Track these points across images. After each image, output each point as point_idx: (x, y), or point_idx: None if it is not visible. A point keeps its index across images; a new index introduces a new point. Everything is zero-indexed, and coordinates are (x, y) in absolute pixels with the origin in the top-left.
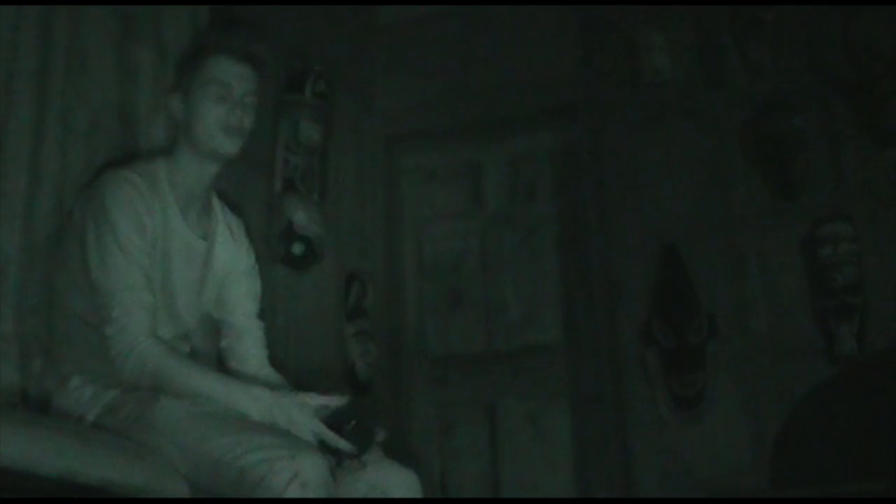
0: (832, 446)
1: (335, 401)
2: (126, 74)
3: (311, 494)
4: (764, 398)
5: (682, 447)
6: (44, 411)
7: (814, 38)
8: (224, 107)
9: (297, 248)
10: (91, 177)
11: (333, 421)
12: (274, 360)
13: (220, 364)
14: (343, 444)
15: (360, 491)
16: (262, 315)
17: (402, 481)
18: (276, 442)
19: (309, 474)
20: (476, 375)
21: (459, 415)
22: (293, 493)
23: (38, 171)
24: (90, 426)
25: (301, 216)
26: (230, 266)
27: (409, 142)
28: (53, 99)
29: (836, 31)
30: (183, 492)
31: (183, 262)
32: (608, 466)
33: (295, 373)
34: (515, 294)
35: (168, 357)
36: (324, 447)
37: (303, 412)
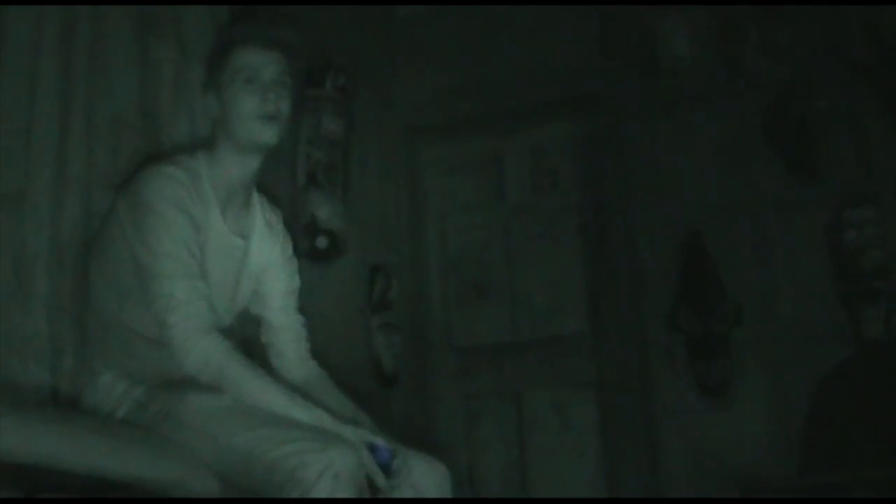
0: (860, 431)
1: (382, 444)
2: (148, 72)
3: (342, 486)
4: (790, 384)
5: (709, 434)
6: (74, 409)
7: (834, 20)
8: (257, 95)
9: (321, 242)
10: (130, 173)
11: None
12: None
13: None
14: (383, 481)
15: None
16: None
17: (431, 473)
18: (306, 435)
19: (340, 466)
20: (502, 366)
21: (486, 405)
22: (324, 485)
23: (64, 170)
24: (120, 422)
25: (324, 210)
26: (267, 262)
27: (431, 134)
28: (77, 98)
29: (857, 13)
30: (213, 487)
31: (219, 260)
32: (635, 454)
33: (321, 367)
34: (540, 284)
35: (234, 359)
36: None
37: (360, 448)
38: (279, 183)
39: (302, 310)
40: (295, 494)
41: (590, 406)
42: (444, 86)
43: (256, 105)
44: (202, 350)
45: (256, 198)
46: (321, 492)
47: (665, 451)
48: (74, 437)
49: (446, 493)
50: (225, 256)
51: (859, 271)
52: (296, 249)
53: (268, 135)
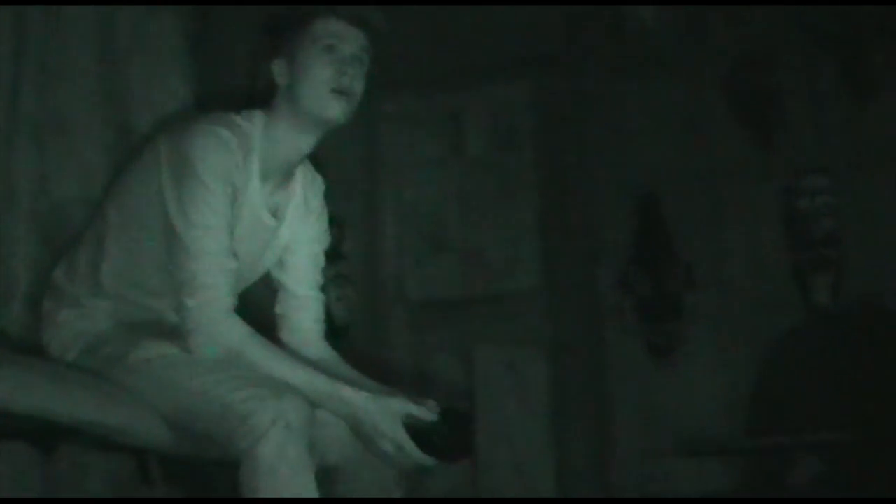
0: (806, 395)
1: (423, 413)
2: (111, 65)
3: (294, 437)
4: (740, 347)
5: (658, 395)
6: (24, 352)
7: None
8: (334, 66)
9: None
10: (179, 116)
11: (420, 428)
12: (250, 303)
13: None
14: (421, 458)
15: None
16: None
17: None
18: (262, 381)
19: (293, 417)
20: (454, 321)
21: (436, 360)
22: (276, 433)
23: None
24: (66, 366)
25: None
26: (297, 237)
27: (389, 88)
28: (36, 93)
29: None
30: (161, 433)
31: (246, 233)
32: (585, 413)
33: (270, 317)
34: (494, 240)
35: (252, 342)
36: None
37: (387, 420)
38: None
39: (323, 289)
40: (245, 441)
41: (541, 364)
42: (405, 40)
43: (332, 76)
44: (219, 335)
45: (301, 169)
46: (271, 440)
47: (615, 410)
48: (15, 377)
49: None
50: (252, 230)
51: (811, 239)
52: None
53: (336, 109)
